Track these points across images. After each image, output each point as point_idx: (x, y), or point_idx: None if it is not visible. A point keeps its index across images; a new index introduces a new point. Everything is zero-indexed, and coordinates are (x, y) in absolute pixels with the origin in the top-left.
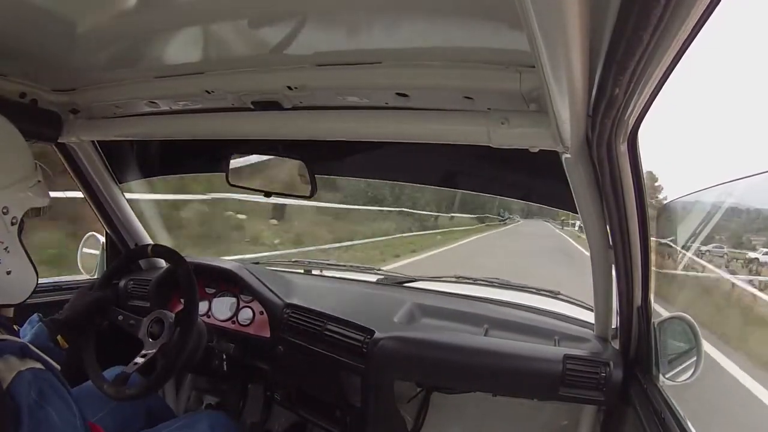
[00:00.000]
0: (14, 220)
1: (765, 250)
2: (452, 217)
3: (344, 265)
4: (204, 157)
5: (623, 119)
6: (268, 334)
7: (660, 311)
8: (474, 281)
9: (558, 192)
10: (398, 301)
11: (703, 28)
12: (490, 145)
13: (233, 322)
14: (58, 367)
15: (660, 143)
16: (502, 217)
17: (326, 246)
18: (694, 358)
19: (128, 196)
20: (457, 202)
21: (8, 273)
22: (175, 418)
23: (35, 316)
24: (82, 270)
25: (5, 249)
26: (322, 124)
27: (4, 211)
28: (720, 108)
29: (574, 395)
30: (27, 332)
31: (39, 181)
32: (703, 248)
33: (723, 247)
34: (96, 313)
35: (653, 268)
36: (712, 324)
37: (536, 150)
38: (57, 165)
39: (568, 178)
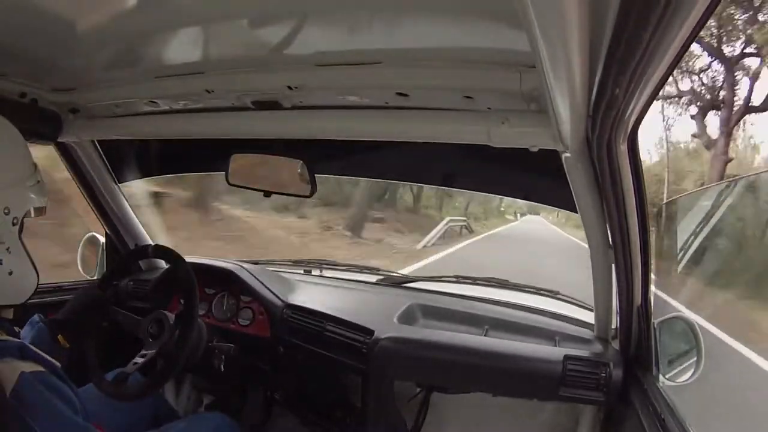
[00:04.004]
0: (15, 221)
1: None
2: None
3: (344, 266)
4: (204, 156)
5: (623, 119)
6: (268, 335)
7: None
8: (474, 281)
9: (558, 191)
10: (398, 302)
11: (704, 28)
12: (490, 144)
13: (233, 323)
14: (59, 364)
15: None
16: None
17: None
18: (694, 359)
19: None
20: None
21: (10, 273)
22: (178, 419)
23: (36, 317)
24: (81, 271)
25: (7, 249)
26: (322, 123)
27: (6, 211)
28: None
29: (574, 395)
30: (28, 333)
31: (39, 182)
32: None
33: None
34: (96, 312)
35: (653, 268)
36: None
37: (536, 149)
38: None
39: (568, 178)
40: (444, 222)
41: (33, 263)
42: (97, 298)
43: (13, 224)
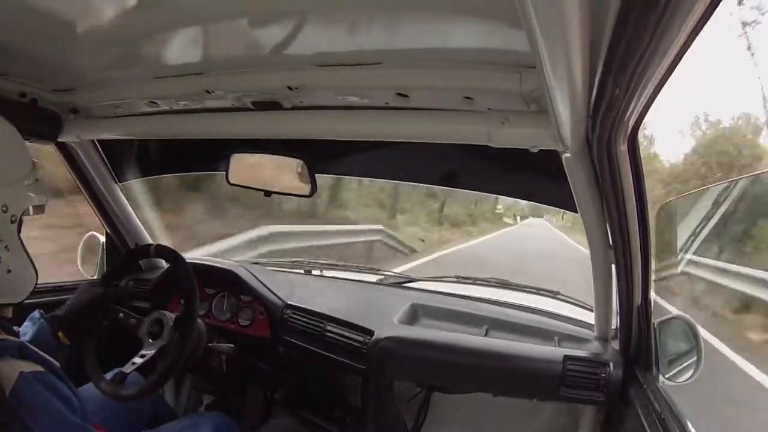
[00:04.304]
0: (14, 218)
1: None
2: None
3: (344, 266)
4: (204, 155)
5: (623, 119)
6: (268, 335)
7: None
8: (474, 281)
9: (558, 192)
10: (398, 302)
11: (704, 28)
12: (491, 144)
13: (233, 323)
14: (58, 364)
15: None
16: None
17: None
18: (694, 358)
19: None
20: None
21: (8, 271)
22: (178, 419)
23: (36, 313)
24: (81, 270)
25: (5, 247)
26: (322, 124)
27: (4, 209)
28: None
29: (574, 395)
30: (28, 329)
31: (37, 180)
32: None
33: None
34: (97, 310)
35: (653, 268)
36: None
37: (536, 150)
38: None
39: (569, 178)
40: (251, 235)
41: (32, 261)
42: (98, 295)
43: (12, 222)
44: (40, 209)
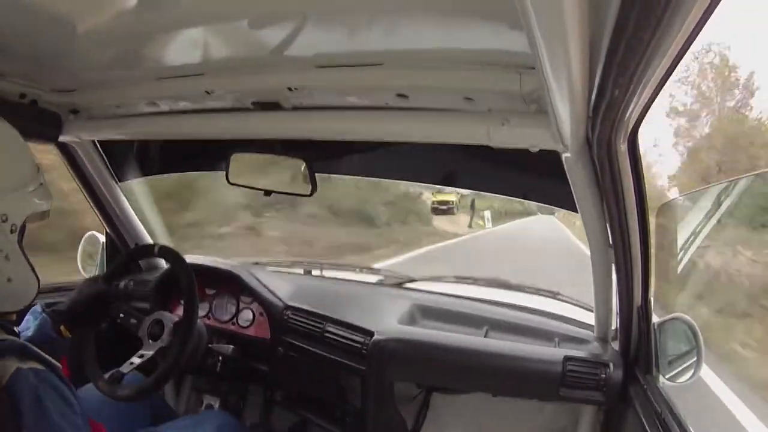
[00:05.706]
0: (14, 228)
1: None
2: None
3: (344, 266)
4: (204, 155)
5: (623, 120)
6: (268, 336)
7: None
8: (474, 282)
9: (558, 191)
10: (398, 302)
11: (704, 28)
12: (491, 145)
13: (233, 324)
14: (59, 365)
15: None
16: None
17: None
18: (694, 359)
19: None
20: None
21: (9, 280)
22: (178, 418)
23: (38, 307)
24: (81, 270)
25: (5, 257)
26: (323, 124)
27: (3, 218)
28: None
29: (574, 396)
30: (30, 323)
31: (41, 184)
32: None
33: None
34: (99, 305)
35: (653, 268)
36: None
37: (536, 150)
38: None
39: (569, 178)
40: None
41: (33, 269)
42: (101, 291)
43: (11, 232)
44: (43, 216)
